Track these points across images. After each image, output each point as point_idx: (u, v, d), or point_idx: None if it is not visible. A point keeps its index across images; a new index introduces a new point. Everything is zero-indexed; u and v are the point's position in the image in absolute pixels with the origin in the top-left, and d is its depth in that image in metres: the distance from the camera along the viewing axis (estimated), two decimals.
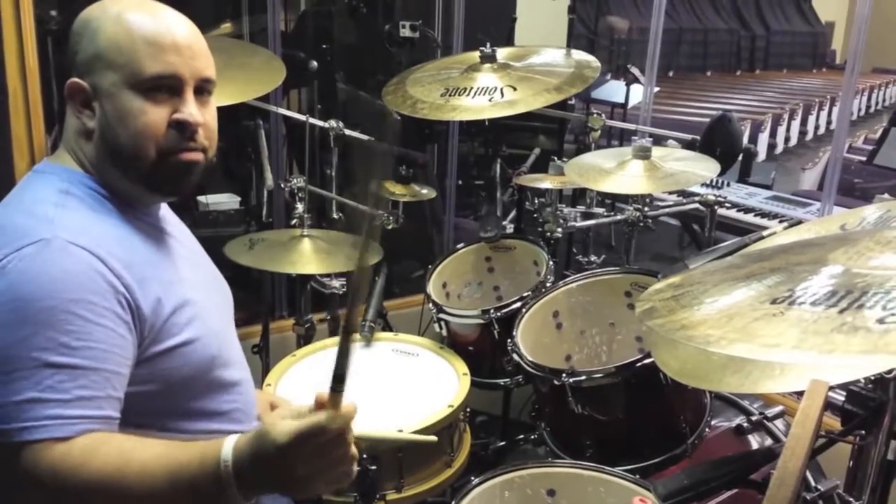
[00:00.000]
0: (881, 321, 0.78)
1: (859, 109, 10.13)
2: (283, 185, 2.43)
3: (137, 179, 1.23)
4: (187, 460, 1.08)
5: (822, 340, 0.78)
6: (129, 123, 1.18)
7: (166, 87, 1.19)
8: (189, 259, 1.37)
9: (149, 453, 1.09)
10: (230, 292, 1.49)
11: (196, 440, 1.17)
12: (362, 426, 1.25)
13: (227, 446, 1.07)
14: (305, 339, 2.44)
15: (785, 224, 1.72)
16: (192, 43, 1.23)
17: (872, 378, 1.23)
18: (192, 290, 1.27)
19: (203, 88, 1.25)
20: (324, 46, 3.47)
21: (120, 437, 1.11)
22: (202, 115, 1.23)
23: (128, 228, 1.23)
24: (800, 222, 1.70)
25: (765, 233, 1.68)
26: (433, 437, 1.51)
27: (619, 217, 2.48)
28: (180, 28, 1.22)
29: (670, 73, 10.92)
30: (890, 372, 1.18)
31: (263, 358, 2.58)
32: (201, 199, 3.42)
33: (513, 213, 2.95)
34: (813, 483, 1.38)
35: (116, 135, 1.19)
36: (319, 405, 1.05)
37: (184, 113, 1.20)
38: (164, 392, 1.21)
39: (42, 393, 1.05)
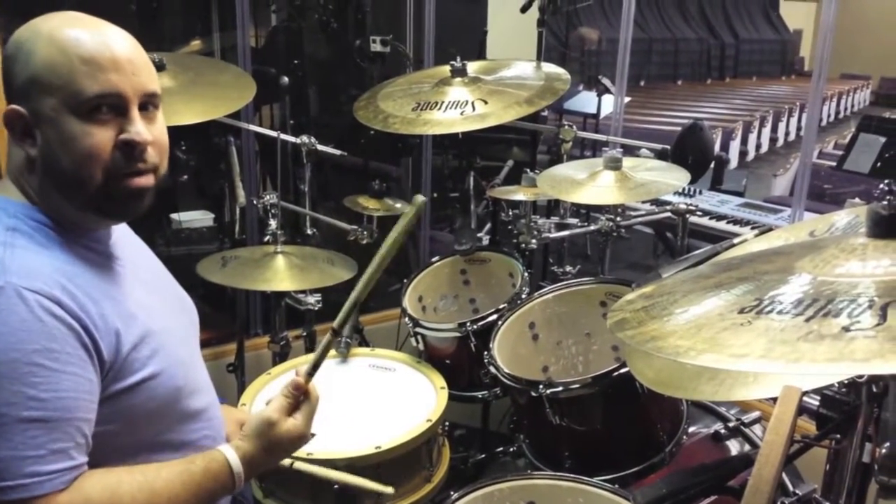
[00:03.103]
0: (847, 329, 0.79)
1: (828, 115, 10.29)
2: (255, 202, 2.42)
3: (85, 206, 1.17)
4: (202, 477, 1.19)
5: (790, 349, 0.78)
6: (72, 148, 1.12)
7: (109, 107, 1.13)
8: (149, 284, 1.32)
9: (164, 480, 1.16)
10: (196, 312, 1.45)
11: None
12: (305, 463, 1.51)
13: (233, 457, 1.21)
14: (281, 356, 2.42)
15: (756, 231, 1.73)
16: (133, 57, 1.15)
17: (846, 382, 1.24)
18: (153, 320, 1.23)
19: (148, 103, 1.18)
20: (295, 62, 3.46)
21: (120, 470, 1.15)
22: (150, 131, 1.17)
23: (81, 262, 1.17)
24: (770, 229, 1.70)
25: (736, 240, 1.68)
26: (389, 489, 1.54)
27: (592, 227, 2.49)
28: (118, 43, 1.15)
29: (641, 83, 11.04)
30: (862, 376, 1.19)
31: (238, 377, 2.56)
32: (174, 216, 3.39)
33: (488, 226, 2.95)
34: (791, 488, 1.40)
35: (59, 161, 1.13)
36: (299, 387, 1.26)
37: (131, 133, 1.14)
38: (128, 430, 1.18)
39: (15, 451, 1.02)
